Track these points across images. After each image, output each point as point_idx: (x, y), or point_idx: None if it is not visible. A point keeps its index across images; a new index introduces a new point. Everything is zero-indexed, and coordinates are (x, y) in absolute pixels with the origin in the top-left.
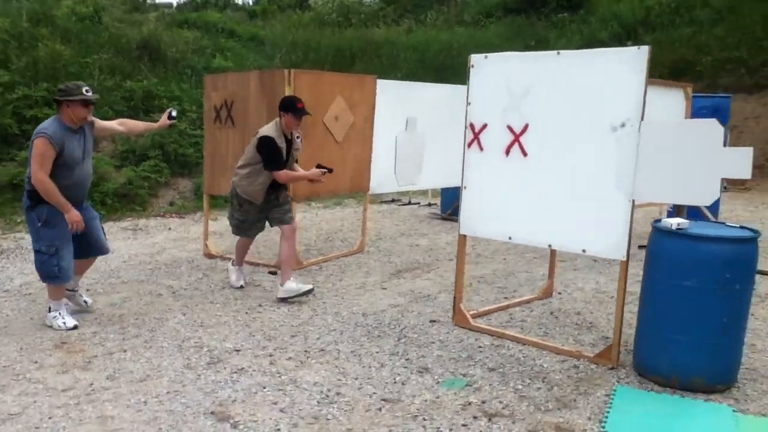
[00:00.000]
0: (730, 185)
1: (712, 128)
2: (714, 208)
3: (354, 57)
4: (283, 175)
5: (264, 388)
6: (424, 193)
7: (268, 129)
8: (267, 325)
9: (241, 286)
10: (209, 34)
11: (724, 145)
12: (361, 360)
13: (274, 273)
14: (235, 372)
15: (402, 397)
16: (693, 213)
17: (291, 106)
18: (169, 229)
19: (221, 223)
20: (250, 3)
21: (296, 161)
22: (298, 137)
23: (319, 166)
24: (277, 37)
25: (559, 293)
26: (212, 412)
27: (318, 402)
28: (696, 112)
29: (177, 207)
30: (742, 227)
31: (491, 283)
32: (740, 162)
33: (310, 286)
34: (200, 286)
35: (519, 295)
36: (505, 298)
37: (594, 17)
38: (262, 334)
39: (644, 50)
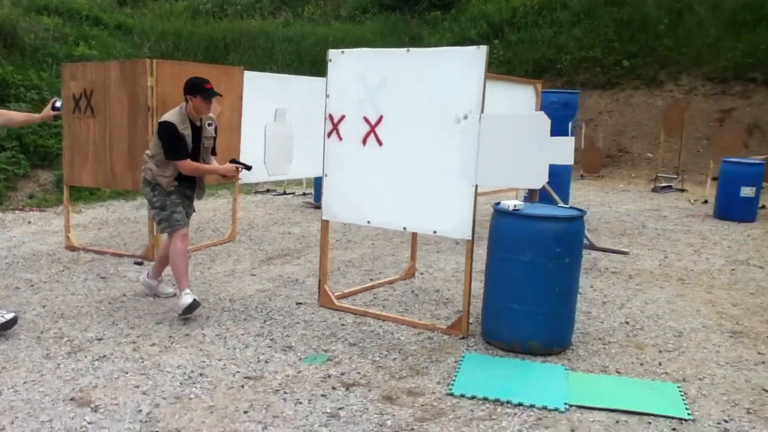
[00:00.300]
0: (586, 173)
1: (540, 120)
2: (564, 193)
3: (228, 48)
4: (186, 165)
5: (126, 373)
6: (299, 182)
7: (171, 114)
8: (131, 314)
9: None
10: (72, 21)
11: (572, 135)
12: (226, 342)
13: (140, 263)
14: (97, 359)
15: (265, 374)
16: (545, 197)
17: (198, 88)
18: (29, 222)
19: (85, 215)
20: None
21: (213, 153)
22: (210, 124)
23: (233, 161)
24: (146, 26)
25: (421, 273)
26: (72, 399)
27: (181, 383)
28: (547, 105)
29: (37, 200)
30: (571, 207)
31: (358, 267)
32: (565, 150)
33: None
34: (61, 278)
35: (384, 277)
36: (371, 279)
37: (464, 16)
38: (126, 323)
39: (483, 50)
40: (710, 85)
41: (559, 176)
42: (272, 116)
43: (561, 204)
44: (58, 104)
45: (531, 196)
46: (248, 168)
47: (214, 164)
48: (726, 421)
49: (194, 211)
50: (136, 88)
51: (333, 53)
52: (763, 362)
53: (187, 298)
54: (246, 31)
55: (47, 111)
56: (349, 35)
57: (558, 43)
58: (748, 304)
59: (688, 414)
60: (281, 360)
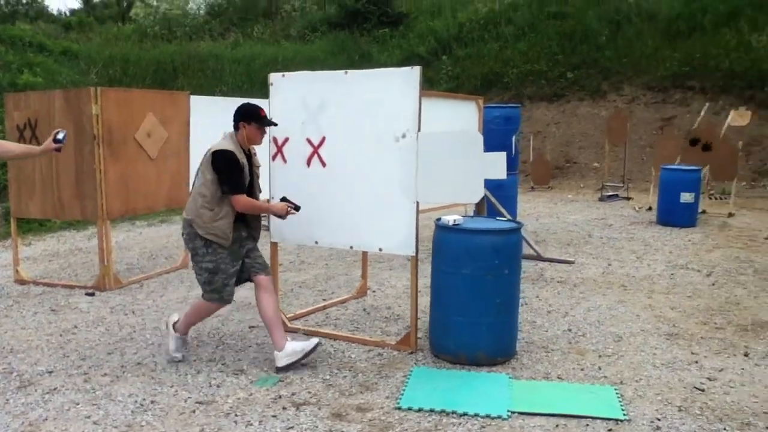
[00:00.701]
0: (536, 185)
1: (474, 137)
2: (512, 206)
3: (177, 71)
4: (242, 200)
5: (77, 404)
6: None
7: (225, 143)
8: (82, 346)
9: (182, 359)
10: (15, 49)
11: (515, 150)
12: (178, 369)
13: (91, 294)
14: (48, 392)
15: (216, 398)
16: (492, 211)
17: (254, 115)
18: None
19: (35, 247)
20: (66, 14)
21: (259, 188)
22: (255, 153)
23: (284, 200)
24: (93, 51)
25: (373, 291)
26: None
27: (132, 411)
28: (491, 120)
29: None
30: (508, 220)
31: (312, 287)
32: (498, 165)
33: (316, 340)
34: (10, 313)
35: (337, 297)
36: (324, 300)
37: (413, 33)
38: (77, 355)
39: (416, 70)
40: (651, 94)
41: (505, 189)
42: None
43: (507, 217)
44: (60, 136)
45: (478, 209)
46: (297, 209)
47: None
48: (659, 420)
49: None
50: (81, 117)
51: (274, 77)
52: (696, 362)
53: (311, 342)
54: (195, 54)
55: (48, 143)
56: (299, 55)
57: (504, 57)
58: (684, 307)
59: (624, 415)
60: (233, 384)
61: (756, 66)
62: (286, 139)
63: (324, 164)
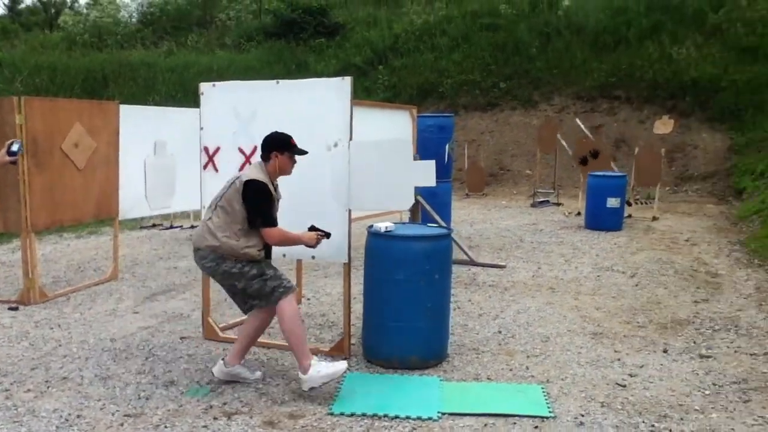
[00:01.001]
0: (471, 192)
1: (403, 145)
2: (446, 212)
3: (107, 80)
4: (276, 233)
5: None
6: (186, 216)
7: (255, 172)
8: (4, 362)
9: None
10: None
11: (448, 158)
12: (106, 382)
13: (15, 308)
14: None
15: (145, 411)
16: (427, 218)
17: (288, 144)
18: None
19: None
20: None
21: None
22: (278, 184)
23: (312, 228)
24: (17, 59)
25: (308, 299)
26: None
27: (57, 427)
28: (424, 129)
29: None
30: (438, 227)
31: None
32: (427, 172)
33: (344, 364)
34: None
35: None
36: None
37: (349, 43)
38: None
39: (347, 80)
40: (580, 103)
41: (440, 197)
42: (152, 149)
43: (441, 224)
44: (14, 147)
45: (413, 216)
46: (328, 236)
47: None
48: (582, 415)
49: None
50: (4, 127)
51: (204, 86)
52: (619, 359)
53: (338, 365)
54: (126, 63)
55: (2, 155)
56: (234, 64)
57: (439, 68)
58: (609, 307)
59: (550, 412)
60: (162, 395)
61: (677, 77)
62: (218, 149)
63: None
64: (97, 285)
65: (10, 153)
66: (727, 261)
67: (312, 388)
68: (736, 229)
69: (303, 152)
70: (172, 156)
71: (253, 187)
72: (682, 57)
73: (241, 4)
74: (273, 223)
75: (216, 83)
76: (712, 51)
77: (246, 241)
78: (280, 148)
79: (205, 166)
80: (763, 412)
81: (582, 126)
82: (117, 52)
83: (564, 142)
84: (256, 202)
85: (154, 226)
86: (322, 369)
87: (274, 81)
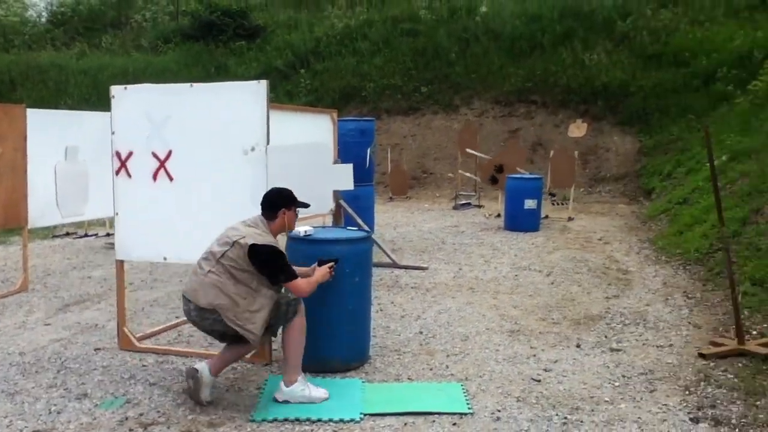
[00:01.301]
0: (394, 195)
1: (321, 149)
2: (369, 216)
3: (15, 83)
4: (304, 286)
5: None
6: (101, 223)
7: (257, 235)
8: None
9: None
10: None
11: (369, 162)
12: (14, 398)
13: None
14: None
15: (56, 425)
16: (350, 221)
17: (295, 200)
18: None
19: None
20: None
21: None
22: None
23: (320, 262)
24: None
25: None
26: None
27: None
28: (346, 133)
29: None
30: (358, 230)
31: (164, 305)
32: (345, 176)
33: (326, 393)
34: None
35: None
36: (176, 317)
37: (270, 46)
38: None
39: (263, 84)
40: (498, 107)
41: (362, 200)
42: (63, 155)
43: (364, 227)
44: None
45: (335, 220)
46: (336, 262)
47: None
48: (499, 411)
49: None
50: None
51: (115, 89)
52: (534, 355)
53: (321, 393)
54: (35, 64)
55: None
56: (151, 66)
57: (361, 72)
58: (526, 305)
59: (469, 408)
60: (75, 409)
61: (589, 82)
62: (130, 153)
63: (171, 178)
64: (6, 297)
65: None
66: (637, 258)
67: (285, 401)
68: (645, 227)
69: (306, 205)
70: (84, 162)
71: (264, 251)
72: (594, 63)
73: (157, 5)
74: (295, 274)
75: (128, 86)
76: (621, 57)
77: (252, 302)
78: (288, 204)
79: (117, 172)
80: (667, 401)
81: (476, 153)
82: (25, 53)
83: (476, 153)
84: (274, 264)
85: (67, 234)
86: (307, 390)
87: (188, 84)
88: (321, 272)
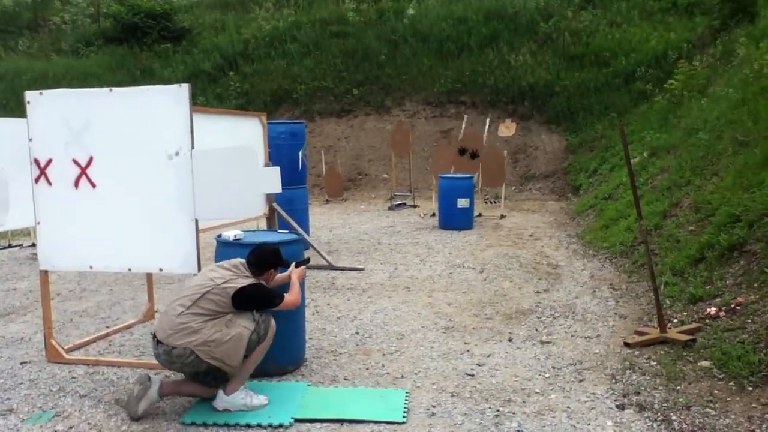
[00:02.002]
0: (330, 197)
1: (249, 152)
2: (303, 218)
3: None
4: (290, 300)
5: None
6: (26, 233)
7: (240, 277)
8: None
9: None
10: None
11: (302, 164)
12: None
13: None
14: None
15: None
16: (284, 225)
17: (281, 260)
18: None
19: None
20: None
21: None
22: None
23: (297, 264)
24: None
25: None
26: None
27: None
28: (276, 136)
29: None
30: (289, 232)
31: (94, 315)
32: (273, 179)
33: (266, 400)
34: None
35: (122, 323)
36: (107, 327)
37: (197, 48)
38: None
39: (185, 87)
40: (430, 108)
41: (296, 203)
42: None
43: (299, 230)
44: None
45: (268, 224)
46: (307, 261)
47: (289, 279)
48: (434, 406)
49: None
50: None
51: (30, 95)
52: (468, 350)
53: (262, 399)
54: None
55: None
56: (72, 70)
57: (292, 74)
58: (460, 302)
59: (404, 417)
60: (0, 426)
61: (516, 83)
62: (50, 161)
63: (93, 185)
64: None
65: None
66: (566, 253)
67: (225, 410)
68: (573, 223)
69: (287, 264)
70: (2, 170)
71: (252, 289)
72: (519, 64)
73: (76, 7)
74: (282, 296)
75: (43, 91)
76: (546, 58)
77: (226, 331)
78: (275, 265)
79: (36, 180)
80: (594, 389)
81: (464, 125)
82: None
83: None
84: (261, 296)
85: None
86: (248, 399)
87: (108, 89)
88: (298, 273)
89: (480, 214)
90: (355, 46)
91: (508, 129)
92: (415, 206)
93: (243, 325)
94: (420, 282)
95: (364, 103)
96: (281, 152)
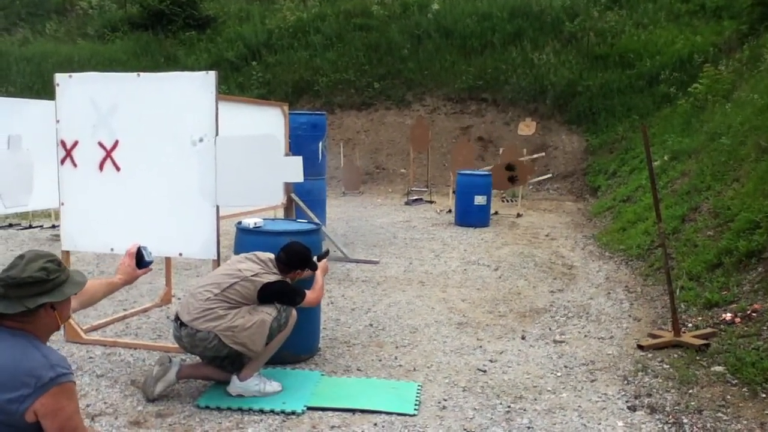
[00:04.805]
0: (347, 190)
1: (272, 141)
2: (321, 210)
3: None
4: (313, 297)
5: None
6: (47, 214)
7: (266, 272)
8: None
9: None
10: None
11: (321, 156)
12: None
13: None
14: None
15: None
16: (301, 215)
17: (310, 261)
18: None
19: None
20: None
21: None
22: None
23: (319, 258)
24: None
25: (179, 299)
26: None
27: None
28: (297, 126)
29: None
30: (308, 222)
31: (111, 298)
32: (295, 168)
33: (280, 386)
34: None
35: (139, 306)
36: (124, 309)
37: (221, 37)
38: None
39: (212, 75)
40: (450, 104)
41: (314, 194)
42: (5, 144)
43: (315, 220)
44: (149, 258)
45: (286, 213)
46: (327, 253)
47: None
48: (445, 400)
49: None
50: None
51: (60, 77)
52: (480, 347)
53: (275, 386)
54: None
55: (131, 269)
56: (97, 55)
57: (314, 66)
58: (474, 298)
59: (415, 409)
60: None
61: (538, 81)
62: (76, 143)
63: (118, 168)
64: None
65: (142, 264)
66: (581, 254)
67: (239, 395)
68: (590, 224)
69: (315, 267)
70: (28, 151)
71: (277, 288)
72: (542, 63)
73: None
74: (304, 292)
75: (73, 74)
76: (569, 58)
77: (251, 318)
78: (303, 267)
79: (62, 161)
80: (606, 390)
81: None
82: None
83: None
84: (285, 294)
85: (10, 225)
86: (261, 385)
87: (135, 74)
88: (322, 268)
89: (496, 212)
90: (378, 40)
91: (527, 128)
92: (431, 202)
93: (266, 311)
94: (434, 277)
95: (385, 96)
96: (301, 143)
